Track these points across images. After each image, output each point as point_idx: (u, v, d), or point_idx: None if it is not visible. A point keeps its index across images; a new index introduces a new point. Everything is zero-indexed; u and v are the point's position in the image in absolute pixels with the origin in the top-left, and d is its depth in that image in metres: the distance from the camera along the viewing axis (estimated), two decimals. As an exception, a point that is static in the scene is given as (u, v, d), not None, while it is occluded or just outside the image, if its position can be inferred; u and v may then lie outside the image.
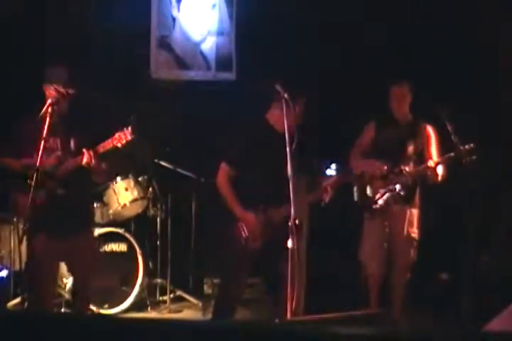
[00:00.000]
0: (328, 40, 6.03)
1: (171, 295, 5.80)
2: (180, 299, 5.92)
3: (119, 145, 4.06)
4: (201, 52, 6.53)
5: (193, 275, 6.07)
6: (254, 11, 6.16)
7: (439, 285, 5.77)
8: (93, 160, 4.01)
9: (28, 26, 5.84)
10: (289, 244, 3.60)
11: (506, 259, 5.54)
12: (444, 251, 5.72)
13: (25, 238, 3.89)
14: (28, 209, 3.78)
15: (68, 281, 5.15)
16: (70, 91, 4.07)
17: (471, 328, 3.79)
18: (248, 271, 4.35)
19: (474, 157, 4.53)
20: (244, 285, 4.54)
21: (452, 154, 4.64)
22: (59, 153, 4.11)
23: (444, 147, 4.78)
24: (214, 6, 6.53)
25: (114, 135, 4.08)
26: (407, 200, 4.74)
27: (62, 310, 5.15)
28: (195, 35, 6.51)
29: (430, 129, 4.91)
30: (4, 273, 5.43)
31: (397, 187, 4.63)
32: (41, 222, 3.94)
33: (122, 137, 4.04)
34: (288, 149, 3.72)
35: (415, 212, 4.82)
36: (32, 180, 3.82)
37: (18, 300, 5.10)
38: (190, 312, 5.69)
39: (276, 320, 3.94)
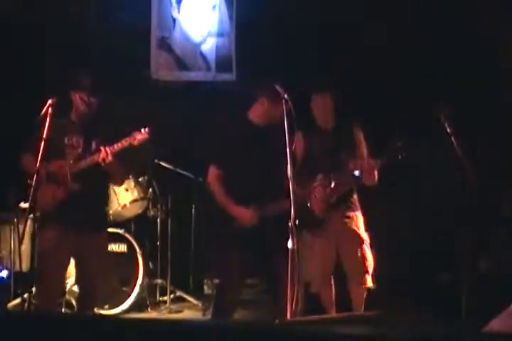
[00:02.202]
0: (328, 40, 6.03)
1: (171, 296, 5.80)
2: (181, 299, 5.92)
3: (135, 143, 4.17)
4: (201, 53, 6.53)
5: (193, 276, 6.08)
6: (254, 12, 6.16)
7: (438, 285, 5.76)
8: (109, 157, 4.10)
9: (28, 26, 5.85)
10: (289, 244, 3.59)
11: (506, 259, 5.54)
12: (444, 251, 5.72)
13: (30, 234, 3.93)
14: (29, 207, 3.81)
15: (69, 282, 5.15)
16: (93, 99, 4.21)
17: (471, 328, 3.78)
18: (244, 266, 4.25)
19: (404, 154, 4.28)
20: (241, 282, 4.48)
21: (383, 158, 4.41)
22: (80, 150, 4.23)
23: (442, 148, 4.69)
24: (214, 7, 6.53)
25: (131, 134, 4.20)
26: (347, 205, 4.62)
27: (63, 310, 5.15)
28: (196, 36, 6.52)
29: (358, 134, 4.74)
30: (4, 273, 5.44)
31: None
32: (56, 217, 4.08)
33: (139, 135, 4.17)
34: (288, 149, 3.71)
35: (359, 214, 4.67)
36: (31, 180, 3.84)
37: (18, 300, 5.12)
38: (190, 312, 5.69)
39: (277, 320, 3.94)
